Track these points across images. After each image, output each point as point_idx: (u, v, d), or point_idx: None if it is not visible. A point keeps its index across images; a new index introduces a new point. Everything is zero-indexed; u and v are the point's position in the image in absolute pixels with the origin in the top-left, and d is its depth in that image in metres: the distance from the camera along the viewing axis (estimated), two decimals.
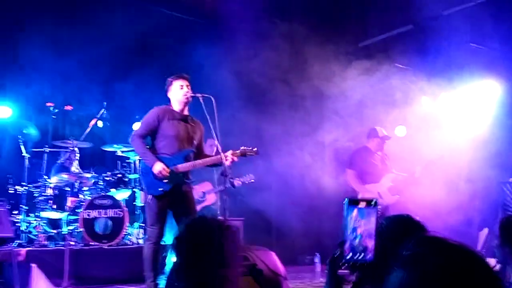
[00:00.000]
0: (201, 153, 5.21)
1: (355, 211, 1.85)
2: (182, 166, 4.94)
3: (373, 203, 1.90)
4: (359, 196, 6.77)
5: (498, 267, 6.26)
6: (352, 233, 1.84)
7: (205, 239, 2.04)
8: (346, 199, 1.90)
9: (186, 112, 5.13)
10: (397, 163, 7.01)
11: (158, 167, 4.82)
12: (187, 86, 5.10)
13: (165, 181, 4.86)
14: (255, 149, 5.21)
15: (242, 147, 5.15)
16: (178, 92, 5.07)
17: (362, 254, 1.81)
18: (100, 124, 7.81)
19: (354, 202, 1.86)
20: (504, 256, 2.87)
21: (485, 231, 6.77)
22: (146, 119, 5.05)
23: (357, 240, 1.84)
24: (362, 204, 1.87)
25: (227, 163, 4.97)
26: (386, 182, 6.75)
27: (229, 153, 5.02)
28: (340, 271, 1.91)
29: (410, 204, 7.15)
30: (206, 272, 1.98)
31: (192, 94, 5.07)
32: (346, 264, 1.84)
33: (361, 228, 1.83)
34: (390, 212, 6.55)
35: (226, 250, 2.04)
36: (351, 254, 1.82)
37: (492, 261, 6.33)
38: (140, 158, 5.26)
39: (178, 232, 2.16)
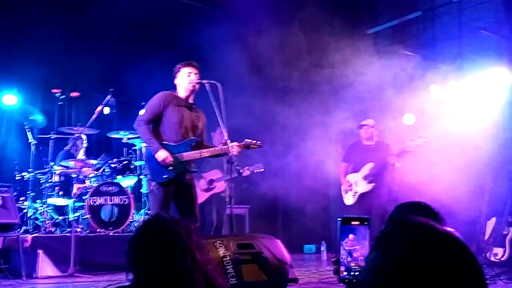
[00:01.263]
0: (202, 143, 5.15)
1: (351, 236, 1.87)
2: (188, 154, 4.89)
3: (365, 222, 1.92)
4: (342, 187, 7.07)
5: (506, 256, 6.24)
6: (347, 257, 1.85)
7: (159, 238, 2.06)
8: (338, 219, 1.92)
9: (191, 100, 5.08)
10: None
11: (163, 155, 4.77)
12: (195, 74, 5.02)
13: (170, 168, 4.82)
14: (259, 142, 5.17)
15: (246, 140, 5.10)
16: (185, 79, 5.00)
17: (359, 272, 1.81)
18: (106, 110, 7.78)
19: (347, 221, 1.88)
20: None
21: (493, 220, 6.72)
22: (152, 104, 4.98)
23: (352, 263, 1.85)
24: (355, 223, 1.89)
25: (232, 154, 4.93)
26: (364, 171, 6.84)
27: (234, 144, 4.97)
28: None
29: (417, 192, 7.12)
30: (160, 269, 1.99)
31: (199, 81, 5.00)
32: (342, 282, 1.84)
33: (357, 252, 1.85)
34: (364, 199, 6.74)
35: (183, 247, 2.04)
36: (346, 273, 1.84)
37: (499, 251, 6.31)
38: (145, 145, 5.19)
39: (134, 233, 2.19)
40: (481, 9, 8.13)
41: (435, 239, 1.05)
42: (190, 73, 5.00)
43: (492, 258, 6.36)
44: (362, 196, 6.82)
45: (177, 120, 4.91)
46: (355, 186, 6.92)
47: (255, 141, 5.14)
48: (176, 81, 5.07)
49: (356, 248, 1.84)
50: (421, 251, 1.01)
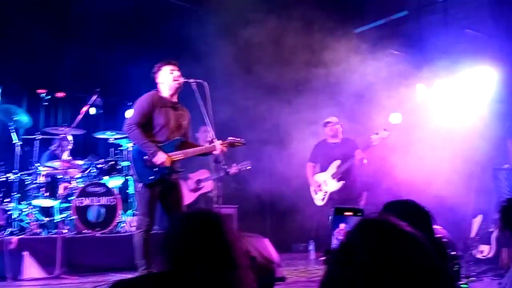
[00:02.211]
0: (187, 141, 5.11)
1: (342, 225, 1.87)
2: (173, 155, 4.87)
3: (359, 213, 1.93)
4: (311, 188, 7.01)
5: (492, 253, 6.29)
6: None
7: (203, 234, 1.83)
8: (332, 209, 1.92)
9: (175, 99, 5.04)
10: (381, 150, 6.96)
11: (162, 157, 4.76)
12: (177, 71, 4.99)
13: (155, 169, 4.79)
14: (243, 140, 5.18)
15: (230, 138, 5.09)
16: (168, 77, 4.95)
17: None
18: (92, 111, 7.73)
19: (340, 212, 1.88)
20: (504, 239, 2.86)
21: (479, 218, 6.78)
22: (141, 107, 4.90)
23: None
24: (348, 214, 1.90)
25: (215, 152, 4.92)
26: (331, 169, 6.80)
27: (218, 143, 4.95)
28: None
29: (403, 190, 7.16)
30: (205, 276, 1.75)
31: (185, 80, 4.98)
32: None
33: None
34: (335, 197, 6.66)
35: (230, 247, 1.84)
36: None
37: (485, 248, 6.36)
38: (135, 146, 5.09)
39: (168, 227, 1.96)
40: (467, 8, 8.18)
41: (398, 241, 1.05)
42: (172, 70, 4.97)
43: (478, 255, 6.41)
44: (333, 194, 6.73)
45: (163, 122, 4.88)
46: (324, 186, 6.84)
47: (238, 139, 5.13)
48: (159, 80, 5.01)
49: None
50: (383, 253, 1.02)
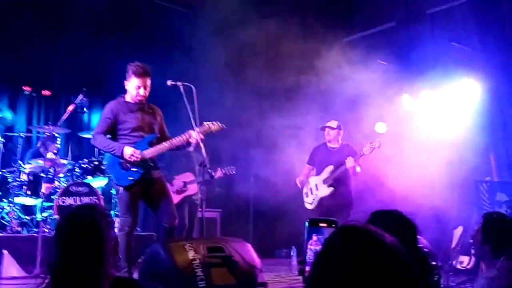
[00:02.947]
0: (165, 138, 5.05)
1: (314, 237, 1.90)
2: (148, 152, 4.83)
3: (333, 224, 1.95)
4: (303, 190, 6.85)
5: (471, 264, 6.35)
6: (314, 257, 1.87)
7: (89, 230, 1.99)
8: (306, 221, 1.95)
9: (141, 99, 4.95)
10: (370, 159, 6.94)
11: (129, 151, 4.72)
12: (144, 87, 4.87)
13: (134, 169, 4.77)
14: (219, 123, 5.06)
15: (205, 122, 5.00)
16: (133, 91, 4.88)
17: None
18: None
19: (314, 223, 1.91)
20: (483, 252, 2.90)
21: (460, 229, 6.85)
22: (103, 117, 4.90)
23: None
24: (323, 225, 1.92)
25: (194, 140, 4.87)
26: (324, 174, 6.68)
27: (194, 131, 4.88)
28: None
29: (387, 199, 7.21)
30: (87, 269, 1.93)
31: (173, 82, 4.99)
32: None
33: None
34: (326, 203, 6.55)
35: (106, 244, 1.99)
36: None
37: (465, 259, 6.43)
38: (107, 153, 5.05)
39: (59, 222, 2.09)
40: (453, 21, 8.31)
41: (372, 247, 1.06)
42: (139, 86, 4.86)
43: (458, 266, 6.48)
44: (323, 200, 6.61)
45: (133, 125, 4.85)
46: (315, 190, 6.70)
47: (215, 122, 5.04)
48: (126, 84, 4.92)
49: None
50: (360, 259, 1.03)
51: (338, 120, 6.96)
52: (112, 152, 4.80)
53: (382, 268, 1.02)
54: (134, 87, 4.86)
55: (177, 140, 4.94)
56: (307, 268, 1.87)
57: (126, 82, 4.92)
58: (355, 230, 1.12)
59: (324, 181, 6.63)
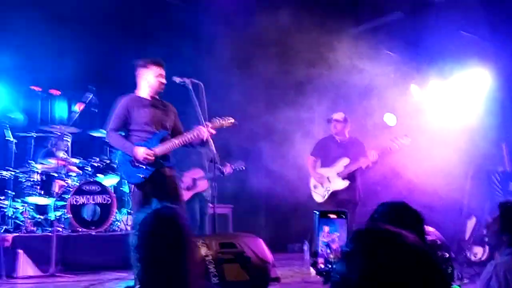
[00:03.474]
0: (178, 134, 5.02)
1: (326, 228, 1.90)
2: (159, 149, 4.81)
3: (342, 215, 1.95)
4: (311, 181, 6.72)
5: (486, 255, 6.32)
6: (326, 248, 1.87)
7: (175, 232, 2.03)
8: (316, 212, 1.95)
9: (155, 95, 4.97)
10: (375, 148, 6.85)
11: (141, 152, 4.72)
12: (163, 76, 4.91)
13: (144, 167, 4.77)
14: (231, 119, 5.04)
15: (217, 118, 4.98)
16: (154, 80, 4.87)
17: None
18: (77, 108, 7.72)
19: (324, 215, 1.91)
20: (499, 242, 2.87)
21: (473, 220, 6.81)
22: (117, 113, 4.88)
23: (332, 255, 1.87)
24: (332, 216, 1.92)
25: (205, 136, 4.83)
26: (338, 167, 6.54)
27: (205, 126, 4.87)
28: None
29: (399, 190, 7.19)
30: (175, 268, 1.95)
31: (181, 79, 4.98)
32: (319, 274, 1.87)
33: (335, 243, 1.87)
34: (337, 197, 6.43)
35: (191, 246, 2.05)
36: (324, 266, 1.85)
37: (479, 250, 6.40)
38: (119, 150, 5.06)
39: (145, 222, 2.10)
40: (461, 10, 8.22)
41: (397, 250, 1.05)
42: (161, 74, 4.89)
43: (472, 258, 6.45)
44: (334, 193, 6.49)
45: (145, 120, 4.84)
46: (327, 183, 6.55)
47: (226, 118, 5.02)
48: (141, 78, 4.92)
49: (335, 239, 1.87)
50: (383, 263, 1.02)
51: (347, 111, 6.92)
52: (125, 152, 4.82)
53: (408, 270, 1.02)
54: (155, 76, 4.86)
55: (187, 136, 4.91)
56: (319, 260, 1.87)
57: (141, 76, 4.91)
58: (376, 233, 1.11)
59: (339, 174, 6.51)
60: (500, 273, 2.56)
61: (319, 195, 6.64)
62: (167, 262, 1.96)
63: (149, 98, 4.94)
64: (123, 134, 4.93)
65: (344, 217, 1.94)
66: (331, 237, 1.90)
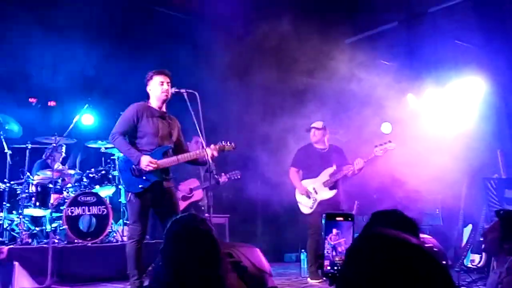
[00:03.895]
0: (180, 149, 5.14)
1: (334, 230, 1.91)
2: (162, 162, 4.88)
3: (349, 218, 1.96)
4: (296, 193, 6.67)
5: (483, 262, 6.32)
6: (332, 251, 1.88)
7: (199, 236, 2.05)
8: (323, 215, 1.96)
9: (164, 109, 5.08)
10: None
11: (145, 161, 4.76)
12: (167, 83, 5.02)
13: (144, 178, 4.80)
14: (233, 144, 5.19)
15: (221, 142, 5.12)
16: (157, 88, 5.00)
17: None
18: (90, 120, 7.73)
19: (331, 217, 1.92)
20: (499, 249, 2.87)
21: (469, 227, 6.82)
22: (125, 117, 4.97)
23: (337, 257, 1.88)
24: (339, 219, 1.93)
25: (208, 157, 4.92)
26: (323, 177, 6.51)
27: (209, 148, 4.97)
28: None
29: (397, 198, 7.19)
30: (196, 271, 1.96)
31: (177, 90, 5.02)
32: (325, 276, 1.88)
33: (342, 246, 1.88)
34: (324, 206, 6.32)
35: (217, 249, 2.07)
36: (330, 267, 1.86)
37: (476, 257, 6.40)
38: (121, 157, 5.13)
39: (169, 227, 2.14)
40: (455, 20, 8.28)
41: (403, 252, 1.05)
42: (162, 82, 5.00)
43: (469, 265, 6.44)
44: (321, 203, 6.44)
45: (151, 131, 4.90)
46: (314, 194, 6.50)
47: (229, 143, 5.15)
48: (148, 89, 5.06)
49: (341, 242, 1.88)
50: (389, 265, 1.02)
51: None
52: (130, 158, 4.85)
53: (412, 272, 1.02)
54: (158, 84, 4.98)
55: (192, 155, 5.03)
56: (327, 263, 1.88)
57: (148, 85, 5.04)
58: (379, 236, 1.11)
59: (325, 184, 6.47)
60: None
61: (306, 207, 6.57)
62: (201, 274, 1.98)
63: (157, 109, 5.01)
64: (128, 140, 4.96)
65: (350, 220, 1.95)
66: (338, 240, 1.91)
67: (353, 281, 1.05)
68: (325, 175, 6.51)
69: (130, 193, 4.87)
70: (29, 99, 7.60)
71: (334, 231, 1.94)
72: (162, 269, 2.06)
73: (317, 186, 6.53)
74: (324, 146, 6.72)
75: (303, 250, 7.31)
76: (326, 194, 6.47)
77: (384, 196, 7.79)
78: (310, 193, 6.54)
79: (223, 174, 7.04)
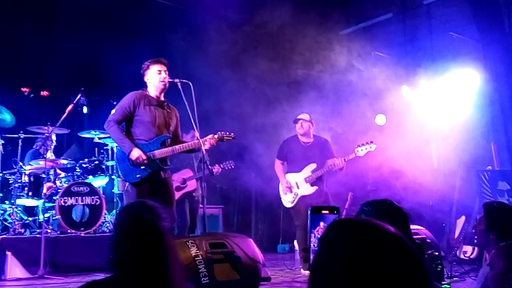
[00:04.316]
0: (177, 139, 5.13)
1: (322, 224, 1.92)
2: (159, 152, 4.87)
3: (335, 211, 1.96)
4: (280, 186, 6.66)
5: (475, 254, 6.36)
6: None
7: (139, 224, 2.04)
8: (309, 209, 1.96)
9: (162, 98, 5.06)
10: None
11: (136, 153, 4.75)
12: (164, 71, 5.00)
13: (142, 167, 4.79)
14: (232, 134, 5.16)
15: (220, 132, 5.10)
16: (155, 77, 4.98)
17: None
18: (85, 109, 7.68)
19: (317, 210, 1.92)
20: (487, 241, 2.91)
21: (462, 219, 6.85)
22: (122, 105, 4.94)
23: None
24: (325, 212, 1.94)
25: (205, 147, 4.91)
26: (305, 172, 6.48)
27: (208, 137, 4.96)
28: None
29: (391, 189, 7.20)
30: (136, 260, 1.95)
31: (170, 80, 4.99)
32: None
33: None
34: (306, 201, 6.30)
35: (158, 238, 2.02)
36: None
37: (469, 249, 6.43)
38: (116, 145, 5.14)
39: (116, 215, 2.13)
40: (450, 12, 8.28)
41: (378, 239, 1.04)
42: (160, 71, 4.98)
43: (462, 256, 6.48)
44: (304, 199, 6.41)
45: (149, 119, 4.89)
46: (296, 188, 6.48)
47: (228, 133, 5.13)
48: (146, 79, 5.04)
49: None
50: (363, 252, 1.01)
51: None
52: (121, 147, 4.85)
53: (387, 260, 1.00)
54: (155, 73, 4.97)
55: (190, 145, 5.01)
56: (312, 256, 1.87)
57: (145, 75, 5.01)
58: (355, 223, 1.10)
59: (306, 180, 6.45)
60: None
61: (287, 201, 6.57)
62: (143, 264, 1.94)
63: (155, 98, 4.98)
64: (124, 129, 4.95)
65: (336, 213, 1.95)
66: None
67: (325, 269, 1.04)
68: (307, 171, 6.47)
69: (126, 183, 4.87)
70: (22, 89, 7.52)
71: (322, 224, 1.94)
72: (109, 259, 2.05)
73: (299, 180, 6.50)
74: (309, 140, 6.67)
75: (296, 241, 7.33)
76: (307, 190, 6.43)
77: (379, 187, 7.81)
78: (292, 188, 6.51)
79: (216, 164, 7.03)
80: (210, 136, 5.00)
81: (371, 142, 6.30)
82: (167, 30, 7.77)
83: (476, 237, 6.16)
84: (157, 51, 6.72)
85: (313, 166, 6.45)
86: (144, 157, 4.76)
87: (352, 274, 0.99)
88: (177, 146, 4.97)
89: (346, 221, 1.13)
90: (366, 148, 6.24)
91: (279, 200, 7.92)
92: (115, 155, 5.28)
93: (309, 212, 1.89)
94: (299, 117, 6.68)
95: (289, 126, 7.68)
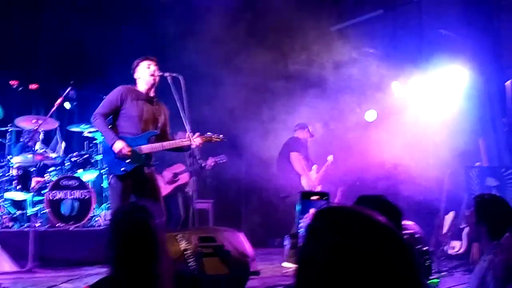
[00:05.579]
0: (165, 136, 5.10)
1: (312, 210, 1.92)
2: (146, 147, 4.84)
3: (325, 197, 1.97)
4: (302, 180, 6.80)
5: (463, 249, 6.40)
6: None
7: (132, 224, 2.10)
8: (299, 193, 1.97)
9: (152, 94, 5.03)
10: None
11: (119, 145, 4.71)
12: (154, 65, 4.98)
13: (127, 160, 4.76)
14: (221, 136, 5.17)
15: (209, 133, 5.09)
16: (145, 72, 4.95)
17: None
18: (67, 105, 7.64)
19: (306, 196, 1.93)
20: (478, 233, 2.92)
21: (451, 214, 6.90)
22: (109, 98, 4.93)
23: None
24: (314, 198, 1.94)
25: (193, 146, 4.90)
26: (313, 173, 6.96)
27: (196, 136, 4.94)
28: None
29: (379, 186, 7.23)
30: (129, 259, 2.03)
31: (160, 73, 4.96)
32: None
33: None
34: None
35: (150, 237, 2.08)
36: None
37: (457, 244, 6.48)
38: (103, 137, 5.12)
39: (114, 218, 2.16)
40: (441, 8, 8.31)
41: (367, 228, 1.04)
42: (149, 65, 4.97)
43: (450, 251, 6.53)
44: None
45: (136, 114, 4.86)
46: (316, 186, 6.91)
47: (216, 135, 5.13)
48: (136, 75, 5.02)
49: None
50: (352, 241, 1.00)
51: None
52: (106, 138, 4.84)
53: (376, 249, 1.00)
54: (145, 67, 4.96)
55: (178, 142, 5.02)
56: (300, 242, 1.87)
57: (135, 72, 5.01)
58: (344, 211, 1.10)
59: (316, 180, 6.96)
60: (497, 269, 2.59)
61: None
62: (137, 262, 2.01)
63: (144, 93, 4.95)
64: (111, 122, 4.92)
65: (326, 199, 1.96)
66: None
67: (312, 258, 1.03)
68: (314, 170, 6.95)
69: (111, 177, 4.84)
70: (10, 82, 7.46)
71: (312, 210, 1.94)
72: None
73: (314, 179, 6.95)
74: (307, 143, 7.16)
75: (286, 236, 7.34)
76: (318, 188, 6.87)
77: (369, 183, 7.83)
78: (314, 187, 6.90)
79: (209, 158, 7.04)
80: (198, 134, 4.95)
81: (330, 155, 7.01)
82: (160, 20, 7.71)
83: (469, 231, 6.23)
84: (149, 44, 6.69)
85: (315, 167, 6.98)
86: (127, 149, 4.72)
87: (339, 263, 0.98)
88: (165, 143, 4.95)
89: (335, 209, 1.12)
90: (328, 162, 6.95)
91: (269, 194, 7.98)
92: (101, 148, 5.25)
93: (298, 197, 1.91)
94: (307, 125, 7.15)
95: (280, 122, 7.70)
